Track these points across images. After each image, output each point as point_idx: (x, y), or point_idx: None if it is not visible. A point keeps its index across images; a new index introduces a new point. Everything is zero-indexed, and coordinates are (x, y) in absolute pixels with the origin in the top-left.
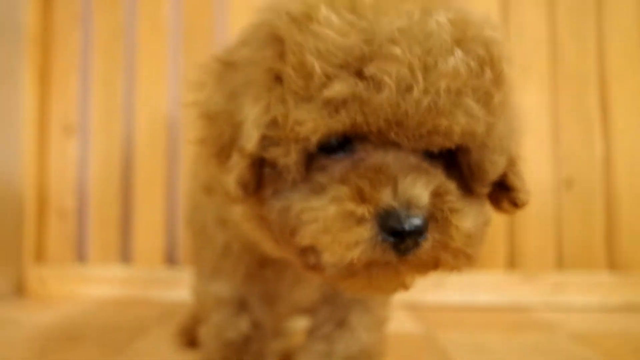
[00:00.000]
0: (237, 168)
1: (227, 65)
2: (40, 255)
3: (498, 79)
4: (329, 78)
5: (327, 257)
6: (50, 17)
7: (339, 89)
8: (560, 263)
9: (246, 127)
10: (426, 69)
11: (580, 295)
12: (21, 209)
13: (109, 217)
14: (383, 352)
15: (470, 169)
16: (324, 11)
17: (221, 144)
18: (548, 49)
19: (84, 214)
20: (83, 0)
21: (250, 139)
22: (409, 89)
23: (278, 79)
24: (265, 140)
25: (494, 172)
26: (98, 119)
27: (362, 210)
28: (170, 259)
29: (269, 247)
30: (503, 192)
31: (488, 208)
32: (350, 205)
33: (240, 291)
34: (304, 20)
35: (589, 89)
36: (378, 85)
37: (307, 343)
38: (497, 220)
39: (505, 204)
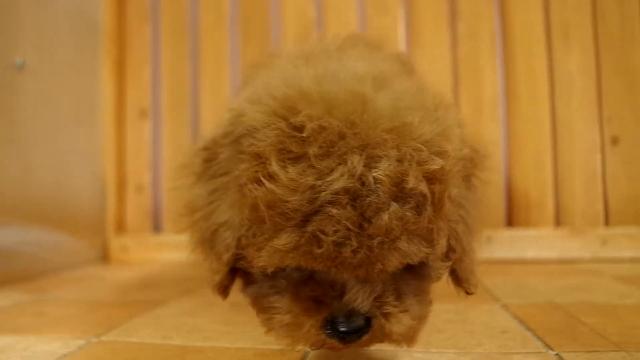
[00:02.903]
0: (218, 274)
1: (207, 162)
2: (121, 227)
3: (440, 213)
4: (276, 227)
5: (286, 342)
6: (123, 15)
7: (285, 241)
8: (607, 219)
9: (223, 237)
10: (361, 228)
11: (627, 250)
12: (103, 186)
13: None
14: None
15: (419, 272)
16: (274, 165)
17: (202, 239)
18: (590, 11)
19: (158, 188)
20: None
21: (228, 250)
22: (344, 244)
23: (244, 203)
24: (236, 254)
25: (439, 273)
26: (168, 103)
27: (312, 322)
28: None
29: None
30: (455, 281)
31: (430, 301)
32: (302, 319)
33: None
34: (258, 165)
35: (631, 50)
36: (317, 240)
37: None
38: (545, 179)
39: (457, 288)
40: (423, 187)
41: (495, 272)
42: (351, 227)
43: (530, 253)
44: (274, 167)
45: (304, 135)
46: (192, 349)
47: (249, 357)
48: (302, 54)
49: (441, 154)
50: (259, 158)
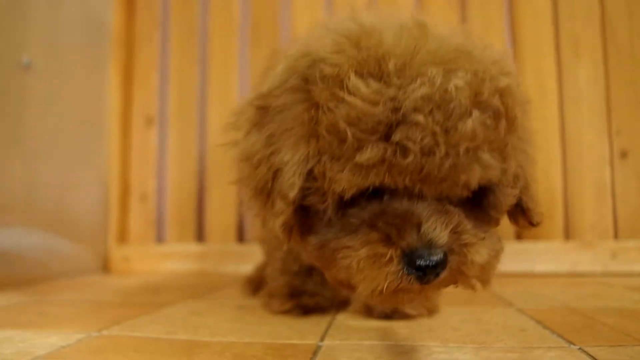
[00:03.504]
0: (282, 214)
1: (262, 110)
2: (123, 236)
3: (512, 126)
4: (359, 142)
5: (360, 290)
6: (132, 19)
7: (369, 155)
8: (617, 232)
9: (287, 175)
10: (447, 134)
11: (638, 263)
12: (107, 193)
13: (185, 199)
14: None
15: (487, 200)
16: (353, 79)
17: (261, 186)
18: (599, 23)
19: (163, 196)
20: (162, 3)
21: (293, 187)
22: (431, 152)
23: (313, 133)
24: (304, 189)
25: (508, 201)
26: (175, 109)
27: (390, 252)
28: (240, 237)
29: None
30: (520, 213)
31: (500, 238)
32: (380, 248)
33: None
34: (335, 85)
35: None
36: (404, 150)
37: None
38: (554, 191)
39: (523, 223)
40: (497, 102)
41: (505, 282)
42: (438, 132)
43: (539, 266)
44: (354, 81)
45: (379, 53)
46: (198, 343)
47: (259, 351)
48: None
49: (507, 73)
50: (336, 78)
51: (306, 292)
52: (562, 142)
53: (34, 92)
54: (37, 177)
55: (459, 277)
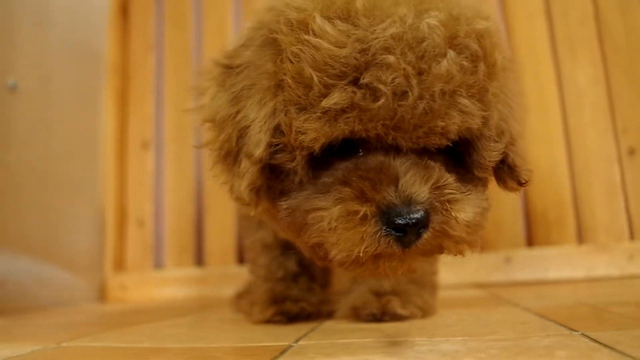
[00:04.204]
0: (248, 174)
1: (228, 69)
2: (120, 263)
3: (492, 71)
4: (327, 88)
5: (335, 254)
6: (127, 46)
7: (337, 99)
8: (632, 232)
9: (253, 132)
10: (420, 74)
11: None
12: (103, 220)
13: (183, 222)
14: (435, 284)
15: (470, 157)
16: (319, 21)
17: (227, 148)
18: (594, 22)
19: (161, 221)
20: (156, 30)
21: (259, 145)
22: (404, 95)
23: (279, 85)
24: (271, 147)
25: (492, 157)
26: (171, 134)
27: (365, 209)
28: (240, 259)
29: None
30: (507, 171)
31: (487, 196)
32: (354, 205)
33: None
34: (300, 29)
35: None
36: (374, 93)
37: (357, 279)
38: (563, 195)
39: (510, 183)
40: (474, 44)
41: (515, 290)
42: (411, 73)
43: (553, 273)
44: (319, 22)
45: None
46: (160, 349)
47: (221, 352)
48: None
49: (485, 18)
50: (301, 22)
51: (289, 298)
52: (567, 144)
53: (21, 115)
54: (25, 202)
55: (444, 240)
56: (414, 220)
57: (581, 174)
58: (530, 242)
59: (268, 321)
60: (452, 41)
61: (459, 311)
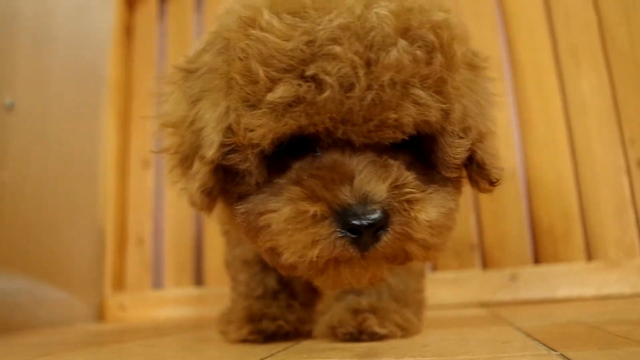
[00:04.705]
0: (199, 175)
1: (188, 73)
2: (120, 283)
3: (451, 62)
4: (273, 82)
5: (286, 257)
6: (130, 66)
7: (281, 92)
8: None
9: (206, 134)
10: (368, 65)
11: None
12: (103, 240)
13: (182, 241)
14: (421, 303)
15: (435, 155)
16: (266, 16)
17: (184, 151)
18: (597, 30)
19: (160, 241)
20: (158, 50)
21: (212, 146)
22: (351, 86)
23: (231, 85)
24: (224, 147)
25: (457, 154)
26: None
27: (315, 208)
28: None
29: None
30: (476, 170)
31: (455, 196)
32: (304, 205)
33: None
34: (249, 25)
35: None
36: (320, 85)
37: (337, 297)
38: (570, 209)
39: (482, 183)
40: (430, 35)
41: (519, 309)
42: (358, 63)
43: (561, 291)
44: (267, 17)
45: None
46: None
47: None
48: None
49: (445, 10)
50: (249, 19)
51: (266, 316)
52: (572, 156)
53: (17, 134)
54: (22, 220)
55: (406, 243)
56: (370, 221)
57: (588, 186)
58: (537, 258)
59: (245, 340)
60: (405, 31)
61: (447, 330)
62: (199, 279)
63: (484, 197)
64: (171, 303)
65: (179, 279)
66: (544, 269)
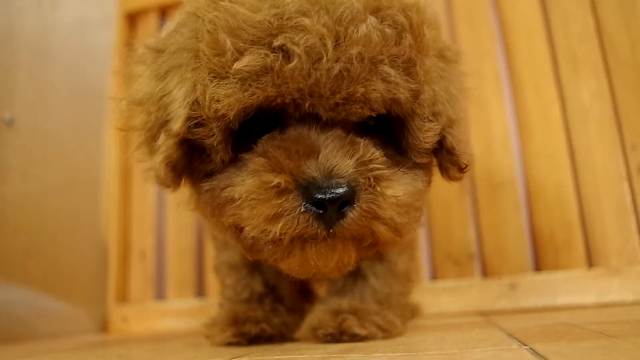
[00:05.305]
0: (164, 148)
1: (157, 52)
2: (123, 296)
3: (420, 44)
4: (240, 53)
5: (248, 231)
6: (130, 86)
7: (248, 61)
8: None
9: (173, 108)
10: (337, 38)
11: None
12: (105, 253)
13: (184, 253)
14: (405, 306)
15: (405, 140)
16: None
17: (150, 128)
18: (596, 36)
19: (162, 253)
20: None
21: (178, 119)
22: (319, 57)
23: (198, 57)
24: (191, 120)
25: (427, 138)
26: None
27: (279, 180)
28: None
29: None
30: (446, 156)
31: (424, 178)
32: (268, 176)
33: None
34: None
35: None
36: (288, 55)
37: (322, 300)
38: (570, 216)
39: (452, 170)
40: (399, 15)
41: (517, 317)
42: (326, 34)
43: (562, 299)
44: None
45: None
46: None
47: None
48: None
49: None
50: None
51: (250, 319)
52: (572, 163)
53: (17, 149)
54: (23, 234)
55: (373, 222)
56: (335, 195)
57: (589, 193)
58: (537, 266)
59: (229, 343)
60: (375, 10)
61: (431, 333)
62: (200, 290)
63: (483, 206)
64: (174, 314)
65: (181, 291)
66: (544, 277)
